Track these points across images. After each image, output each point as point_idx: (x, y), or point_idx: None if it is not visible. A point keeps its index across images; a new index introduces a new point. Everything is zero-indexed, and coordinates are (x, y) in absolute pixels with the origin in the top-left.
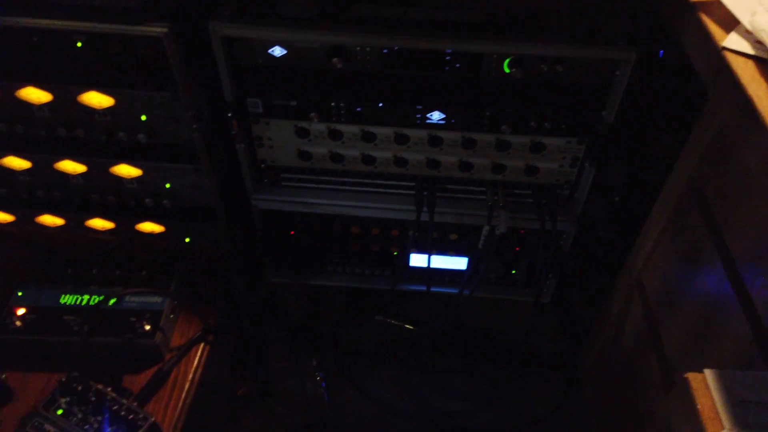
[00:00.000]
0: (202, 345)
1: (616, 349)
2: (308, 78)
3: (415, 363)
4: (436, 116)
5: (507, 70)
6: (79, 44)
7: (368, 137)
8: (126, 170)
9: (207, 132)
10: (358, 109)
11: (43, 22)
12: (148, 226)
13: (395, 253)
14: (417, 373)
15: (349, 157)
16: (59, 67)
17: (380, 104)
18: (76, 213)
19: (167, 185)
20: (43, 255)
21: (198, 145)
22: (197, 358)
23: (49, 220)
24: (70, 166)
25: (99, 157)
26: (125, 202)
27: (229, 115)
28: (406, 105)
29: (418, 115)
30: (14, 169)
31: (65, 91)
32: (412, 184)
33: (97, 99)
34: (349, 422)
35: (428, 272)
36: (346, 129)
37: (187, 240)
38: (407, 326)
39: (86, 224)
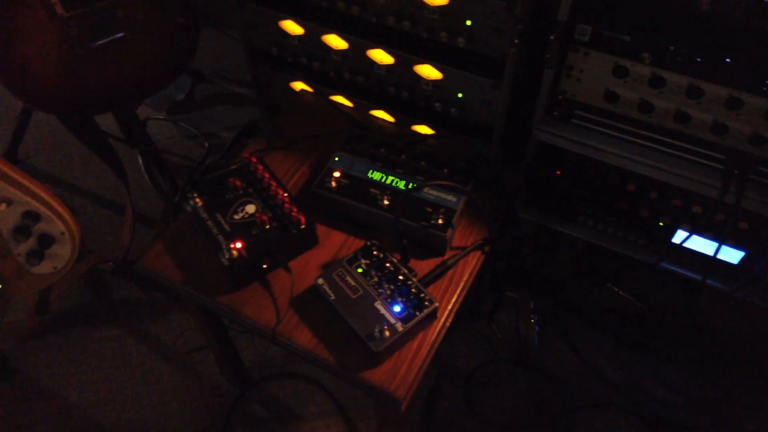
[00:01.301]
0: (479, 253)
1: None
2: (657, 14)
3: (636, 341)
4: None
5: None
6: None
7: (694, 93)
8: (428, 71)
9: (522, 50)
10: (699, 59)
11: None
12: (422, 129)
13: (660, 224)
14: (635, 351)
15: (661, 109)
16: None
17: (727, 59)
18: (365, 100)
19: (460, 95)
20: (360, 130)
21: (509, 62)
22: (473, 264)
23: (340, 99)
24: (379, 56)
25: (409, 53)
26: (416, 102)
27: (552, 37)
28: (760, 66)
29: None
30: (332, 47)
31: None
32: (721, 156)
33: None
34: (553, 371)
35: (711, 262)
36: (673, 78)
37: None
38: (638, 303)
39: (370, 112)
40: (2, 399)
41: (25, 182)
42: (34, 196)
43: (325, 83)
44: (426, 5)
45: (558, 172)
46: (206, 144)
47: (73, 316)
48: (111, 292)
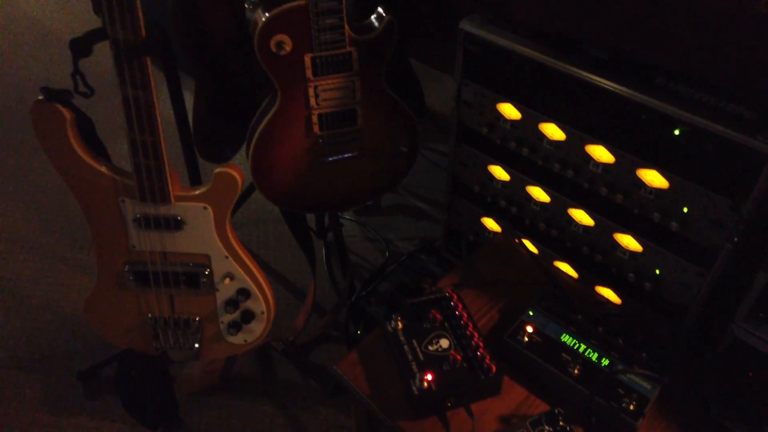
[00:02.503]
0: None
1: None
2: None
3: None
4: None
5: None
6: (676, 132)
7: None
8: (628, 241)
9: (738, 246)
10: None
11: (657, 104)
12: (607, 293)
13: None
14: None
15: None
16: (631, 136)
17: None
18: (553, 251)
19: (657, 271)
20: (557, 290)
21: (722, 255)
22: None
23: (529, 245)
24: (579, 216)
25: (611, 220)
26: (607, 266)
27: None
28: None
29: None
30: (534, 198)
31: (627, 160)
32: None
33: (652, 177)
34: None
35: None
36: None
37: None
38: None
39: (555, 263)
40: None
41: (249, 263)
42: (252, 276)
43: (517, 226)
44: (644, 184)
45: (751, 374)
46: (386, 252)
47: (238, 383)
48: (275, 370)
